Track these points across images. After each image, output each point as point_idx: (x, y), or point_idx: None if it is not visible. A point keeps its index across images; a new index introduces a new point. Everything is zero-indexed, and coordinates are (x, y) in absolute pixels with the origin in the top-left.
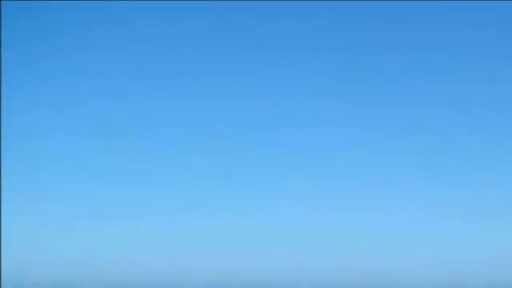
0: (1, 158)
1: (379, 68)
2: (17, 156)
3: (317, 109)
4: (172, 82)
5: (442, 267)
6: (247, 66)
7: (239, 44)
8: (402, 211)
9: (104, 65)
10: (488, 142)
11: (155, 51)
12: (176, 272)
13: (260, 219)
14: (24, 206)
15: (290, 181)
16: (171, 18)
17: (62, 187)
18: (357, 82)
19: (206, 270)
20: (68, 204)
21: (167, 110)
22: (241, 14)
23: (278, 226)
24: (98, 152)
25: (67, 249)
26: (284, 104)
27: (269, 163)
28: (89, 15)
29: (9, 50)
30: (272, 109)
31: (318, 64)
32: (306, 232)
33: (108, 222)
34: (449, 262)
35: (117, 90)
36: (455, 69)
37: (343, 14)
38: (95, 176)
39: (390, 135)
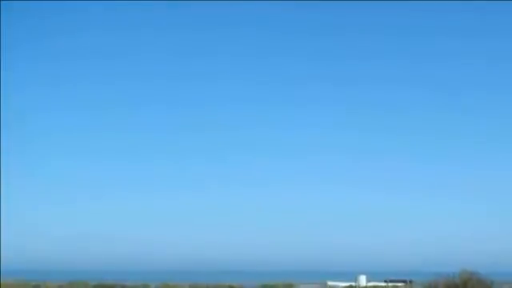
0: None
1: (355, 49)
2: (9, 134)
3: (296, 89)
4: (160, 63)
5: (427, 241)
6: (232, 48)
7: (227, 25)
8: (386, 188)
9: (94, 47)
10: (464, 120)
11: (142, 35)
12: (164, 245)
13: (248, 196)
14: (14, 182)
15: (272, 158)
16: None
17: (52, 164)
18: (334, 63)
19: (191, 243)
20: (58, 180)
21: (156, 90)
22: None
23: (267, 203)
24: (88, 130)
25: (58, 223)
26: (268, 84)
27: (252, 140)
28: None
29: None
30: (256, 89)
31: (296, 47)
32: (293, 209)
33: (97, 198)
34: (434, 237)
35: (106, 71)
36: (428, 50)
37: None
38: (85, 153)
39: (372, 113)
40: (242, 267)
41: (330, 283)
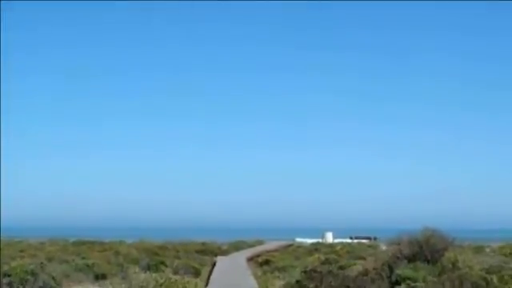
0: None
1: (323, 17)
2: None
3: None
4: (138, 30)
5: (390, 200)
6: (215, 15)
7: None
8: (350, 149)
9: (80, 14)
10: (419, 83)
11: (122, 6)
12: (139, 204)
13: (221, 158)
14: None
15: (242, 121)
16: None
17: (36, 127)
18: (301, 31)
19: (165, 202)
20: (39, 142)
21: (135, 56)
22: None
23: (239, 165)
24: (70, 94)
25: (41, 185)
26: (238, 50)
27: (228, 105)
28: None
29: None
30: (229, 55)
31: (267, 15)
32: (264, 170)
33: (80, 160)
34: (397, 196)
35: (89, 37)
36: (392, 17)
37: None
38: (68, 116)
39: (333, 77)
40: (215, 225)
41: (298, 239)
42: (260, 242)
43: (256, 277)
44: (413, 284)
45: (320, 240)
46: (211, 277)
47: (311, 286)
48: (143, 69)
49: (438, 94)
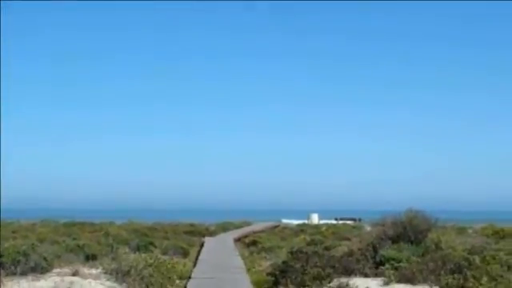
0: None
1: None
2: None
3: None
4: (122, 14)
5: (375, 182)
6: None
7: None
8: (336, 133)
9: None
10: (404, 66)
11: None
12: (129, 186)
13: (209, 140)
14: None
15: (229, 105)
16: None
17: (25, 110)
18: (278, 14)
19: (154, 184)
20: (31, 126)
21: (117, 41)
22: None
23: (227, 148)
24: (57, 79)
25: (32, 168)
26: (222, 35)
27: (215, 89)
28: None
29: None
30: (207, 40)
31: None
32: (252, 153)
33: (70, 143)
34: (381, 178)
35: (74, 22)
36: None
37: None
38: (53, 101)
39: (319, 62)
40: (203, 206)
41: (284, 221)
42: (247, 223)
43: (243, 257)
44: (397, 264)
45: (306, 221)
46: (199, 257)
47: (297, 266)
48: (128, 53)
49: (423, 76)
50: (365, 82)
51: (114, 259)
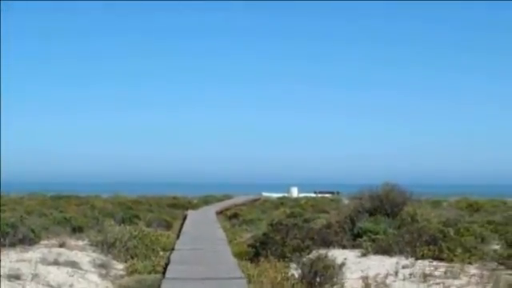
0: None
1: None
2: None
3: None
4: None
5: (353, 157)
6: None
7: None
8: (315, 111)
9: None
10: (381, 45)
11: None
12: (114, 160)
13: (192, 115)
14: None
15: (210, 83)
16: None
17: (12, 85)
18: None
19: (139, 158)
20: (19, 100)
21: (106, 20)
22: None
23: (209, 123)
24: (47, 55)
25: (19, 142)
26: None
27: (197, 66)
28: None
29: None
30: (192, 19)
31: None
32: (233, 128)
33: (57, 117)
34: (359, 153)
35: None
36: None
37: None
38: (45, 77)
39: (296, 41)
40: (186, 180)
41: (264, 194)
42: (229, 197)
43: (225, 229)
44: (374, 236)
45: (286, 195)
46: (182, 229)
47: (277, 238)
48: (114, 32)
49: (400, 56)
50: (344, 62)
51: (99, 231)
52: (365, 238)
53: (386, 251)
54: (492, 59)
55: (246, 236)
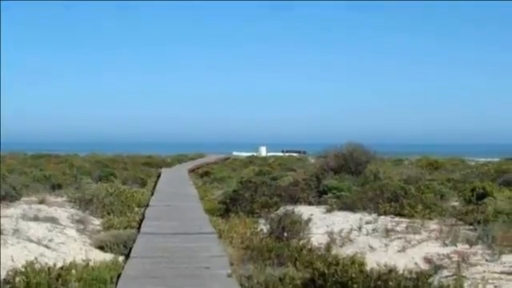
0: None
1: None
2: None
3: None
4: None
5: (318, 118)
6: None
7: None
8: (281, 72)
9: None
10: (351, 11)
11: None
12: (91, 120)
13: (166, 77)
14: None
15: (183, 44)
16: None
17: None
18: None
19: (114, 118)
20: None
21: None
22: None
23: (182, 85)
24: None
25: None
26: None
27: (172, 30)
28: None
29: None
30: None
31: None
32: (205, 89)
33: (41, 80)
34: (324, 114)
35: None
36: None
37: None
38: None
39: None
40: (160, 139)
41: (234, 153)
42: (200, 156)
43: (197, 187)
44: (338, 193)
45: (255, 154)
46: (156, 187)
47: (247, 195)
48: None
49: (364, 19)
50: (309, 25)
51: (77, 189)
52: (330, 194)
53: (350, 207)
54: (449, 23)
55: (217, 193)
